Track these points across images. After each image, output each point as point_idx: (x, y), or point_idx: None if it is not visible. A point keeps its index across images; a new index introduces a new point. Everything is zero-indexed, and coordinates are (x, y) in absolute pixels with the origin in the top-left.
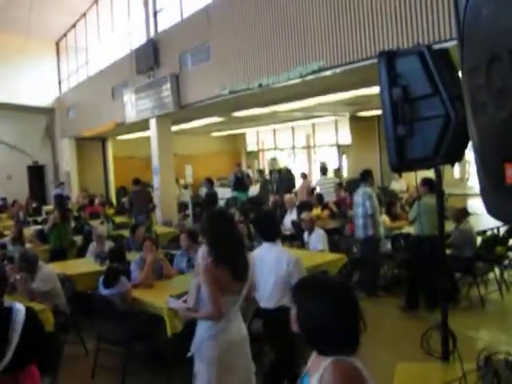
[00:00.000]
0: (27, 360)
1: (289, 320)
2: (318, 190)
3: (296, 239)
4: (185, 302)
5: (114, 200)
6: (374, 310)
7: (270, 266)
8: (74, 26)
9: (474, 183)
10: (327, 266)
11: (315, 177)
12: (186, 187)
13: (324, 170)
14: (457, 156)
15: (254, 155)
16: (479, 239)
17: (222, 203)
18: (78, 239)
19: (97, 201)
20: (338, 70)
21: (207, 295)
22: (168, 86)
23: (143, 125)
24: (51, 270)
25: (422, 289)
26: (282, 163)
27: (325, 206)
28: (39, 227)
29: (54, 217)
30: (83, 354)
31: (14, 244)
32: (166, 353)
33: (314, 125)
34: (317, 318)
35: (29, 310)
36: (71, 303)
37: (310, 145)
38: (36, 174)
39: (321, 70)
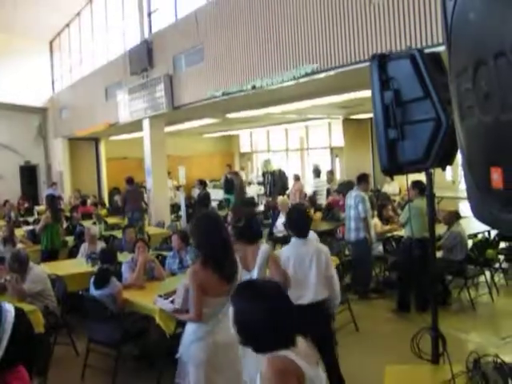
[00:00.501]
0: (16, 361)
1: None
2: (310, 191)
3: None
4: (172, 302)
5: (106, 201)
6: (366, 312)
7: (309, 261)
8: (67, 25)
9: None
10: None
11: (308, 179)
12: (178, 188)
13: (317, 173)
14: (448, 159)
15: (247, 157)
16: (470, 242)
17: (214, 204)
18: (70, 240)
19: (89, 201)
20: (331, 73)
21: (190, 298)
22: (161, 86)
23: (136, 125)
24: (42, 270)
25: (414, 291)
26: (276, 165)
27: (317, 209)
28: (31, 227)
29: (46, 217)
30: (73, 355)
31: (5, 244)
32: (157, 354)
33: (307, 127)
34: (251, 320)
35: (18, 310)
36: (62, 304)
37: (303, 147)
38: (28, 173)
39: (314, 72)
